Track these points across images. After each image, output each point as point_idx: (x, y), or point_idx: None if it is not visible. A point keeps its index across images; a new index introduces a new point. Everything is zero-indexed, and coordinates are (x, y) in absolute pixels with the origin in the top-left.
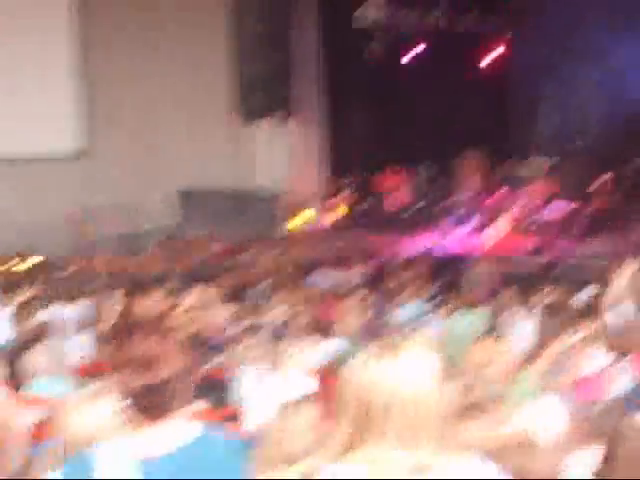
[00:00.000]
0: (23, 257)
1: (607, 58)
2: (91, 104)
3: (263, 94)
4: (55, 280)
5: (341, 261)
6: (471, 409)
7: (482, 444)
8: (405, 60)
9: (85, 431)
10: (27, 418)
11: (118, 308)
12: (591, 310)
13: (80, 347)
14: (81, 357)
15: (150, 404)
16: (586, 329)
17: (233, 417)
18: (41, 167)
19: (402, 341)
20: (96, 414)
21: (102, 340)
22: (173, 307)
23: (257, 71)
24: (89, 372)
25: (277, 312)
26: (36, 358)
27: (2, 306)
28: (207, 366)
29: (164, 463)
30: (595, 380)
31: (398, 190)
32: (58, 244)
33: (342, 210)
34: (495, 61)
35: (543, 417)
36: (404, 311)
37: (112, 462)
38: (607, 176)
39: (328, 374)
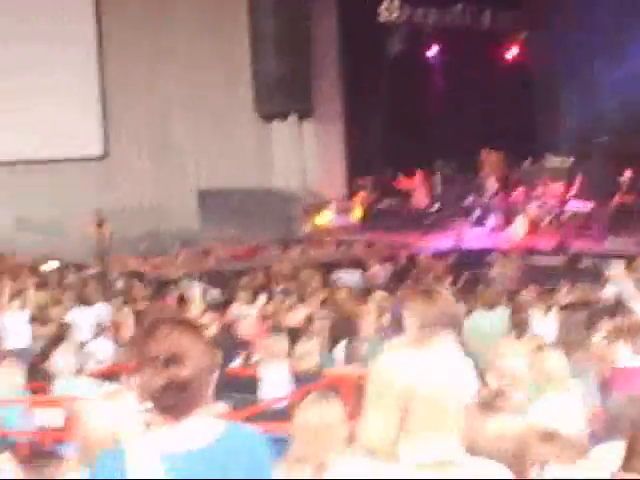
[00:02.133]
0: (44, 259)
1: (628, 57)
2: (110, 108)
3: (283, 93)
4: (76, 282)
5: (362, 260)
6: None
7: (504, 437)
8: (426, 57)
9: (108, 430)
10: (57, 418)
11: (139, 308)
12: (616, 306)
13: (100, 349)
14: (101, 359)
15: (173, 403)
16: (613, 325)
17: (258, 416)
18: (62, 170)
19: (427, 337)
20: (118, 413)
21: (122, 341)
22: (196, 306)
23: (276, 70)
24: (110, 373)
25: (299, 311)
26: (58, 360)
27: (22, 308)
28: (233, 364)
29: (192, 458)
30: (629, 373)
31: (418, 189)
32: (78, 246)
33: (362, 209)
34: (516, 59)
35: (565, 410)
36: None
37: (141, 458)
38: (628, 174)
39: (345, 374)
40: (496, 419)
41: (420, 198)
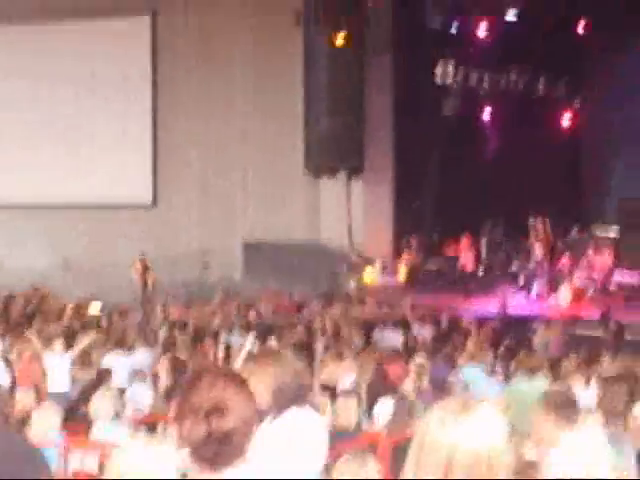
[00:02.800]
0: (87, 304)
1: None
2: (161, 157)
3: (333, 150)
4: (118, 327)
5: (404, 321)
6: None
7: None
8: (479, 120)
9: (142, 477)
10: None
11: (180, 357)
12: None
13: (139, 396)
14: (139, 407)
15: (213, 454)
16: None
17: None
18: (111, 216)
19: (472, 402)
20: (154, 460)
21: (161, 390)
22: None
23: (328, 127)
24: (148, 421)
25: (339, 369)
26: (96, 404)
27: (63, 353)
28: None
29: None
30: None
31: (465, 253)
32: (123, 292)
33: (407, 269)
34: (568, 126)
35: None
36: (466, 373)
37: None
38: None
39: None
40: None
41: (467, 262)
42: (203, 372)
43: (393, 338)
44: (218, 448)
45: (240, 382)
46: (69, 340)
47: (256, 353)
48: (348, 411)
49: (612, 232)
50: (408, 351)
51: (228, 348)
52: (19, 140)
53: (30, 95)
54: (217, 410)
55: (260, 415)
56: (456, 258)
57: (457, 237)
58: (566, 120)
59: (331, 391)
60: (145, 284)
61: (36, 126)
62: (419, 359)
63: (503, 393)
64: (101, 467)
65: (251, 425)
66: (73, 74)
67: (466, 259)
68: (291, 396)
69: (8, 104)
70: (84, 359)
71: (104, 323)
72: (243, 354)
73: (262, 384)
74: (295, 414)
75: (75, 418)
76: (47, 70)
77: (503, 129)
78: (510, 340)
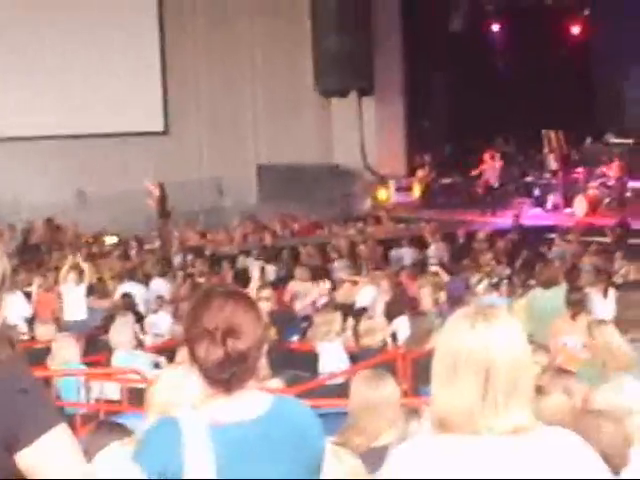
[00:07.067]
0: (105, 233)
1: None
2: (171, 84)
3: (343, 70)
4: (135, 256)
5: (420, 238)
6: (550, 381)
7: (562, 415)
8: (488, 35)
9: (166, 402)
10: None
11: (197, 283)
12: None
13: (158, 323)
14: (159, 333)
15: (229, 375)
16: None
17: (314, 392)
18: (123, 145)
19: (491, 309)
20: (174, 386)
21: (180, 316)
22: (254, 282)
23: (337, 47)
24: (167, 348)
25: (357, 288)
26: (116, 333)
27: (80, 283)
28: (291, 339)
29: (242, 430)
30: None
31: (480, 167)
32: (139, 221)
33: (421, 187)
34: (579, 37)
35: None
36: (483, 287)
37: (193, 428)
38: None
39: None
40: (549, 398)
41: (482, 176)
42: (212, 293)
43: (410, 255)
44: (234, 369)
45: (249, 302)
46: (86, 271)
47: None
48: (374, 330)
49: (626, 141)
50: (424, 268)
51: (245, 272)
52: (29, 70)
53: (42, 23)
54: (232, 331)
55: None
56: (470, 173)
57: (471, 152)
58: (576, 30)
59: (349, 310)
60: (162, 212)
61: (46, 56)
62: (434, 269)
63: (524, 304)
64: (122, 395)
65: (262, 345)
66: (84, 4)
67: (481, 173)
68: None
69: (21, 31)
70: (101, 289)
71: (121, 252)
72: (256, 278)
73: None
74: None
75: (95, 347)
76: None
77: (512, 41)
78: (527, 252)
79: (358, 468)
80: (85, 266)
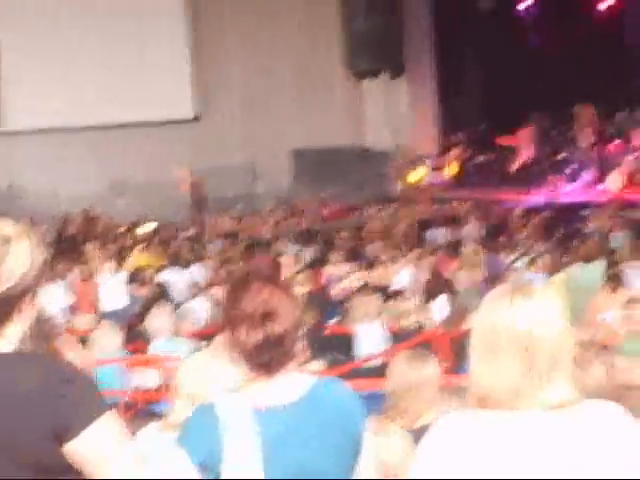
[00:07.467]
0: (140, 222)
1: None
2: (201, 70)
3: (374, 51)
4: (172, 243)
5: (456, 217)
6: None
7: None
8: (517, 11)
9: (204, 388)
10: (153, 379)
11: (233, 269)
12: None
13: (196, 310)
14: (197, 320)
15: (269, 358)
16: None
17: (353, 373)
18: (155, 133)
19: (529, 285)
20: (214, 371)
21: (217, 302)
22: (290, 266)
23: (368, 28)
24: (205, 334)
25: (394, 270)
26: (155, 321)
27: (119, 270)
28: (328, 322)
29: (283, 412)
30: None
31: (525, 144)
32: (174, 208)
33: (456, 166)
34: (610, 10)
35: None
36: (520, 264)
37: (234, 413)
38: None
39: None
40: (590, 373)
41: (526, 153)
42: (249, 279)
43: (445, 235)
44: (273, 352)
45: (285, 286)
46: (123, 260)
47: None
48: (409, 311)
49: None
50: (460, 247)
51: (280, 256)
52: (66, 62)
53: (74, 14)
54: (270, 314)
55: None
56: (505, 151)
57: (504, 129)
58: (608, 4)
59: (387, 292)
60: (196, 199)
61: (82, 49)
62: (471, 248)
63: (562, 280)
64: (162, 382)
65: (298, 328)
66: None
67: (526, 151)
68: None
69: (60, 25)
70: (139, 277)
71: (157, 241)
72: (292, 262)
73: None
74: None
75: (134, 336)
76: None
77: (543, 16)
78: (563, 229)
79: (408, 442)
80: (124, 255)
